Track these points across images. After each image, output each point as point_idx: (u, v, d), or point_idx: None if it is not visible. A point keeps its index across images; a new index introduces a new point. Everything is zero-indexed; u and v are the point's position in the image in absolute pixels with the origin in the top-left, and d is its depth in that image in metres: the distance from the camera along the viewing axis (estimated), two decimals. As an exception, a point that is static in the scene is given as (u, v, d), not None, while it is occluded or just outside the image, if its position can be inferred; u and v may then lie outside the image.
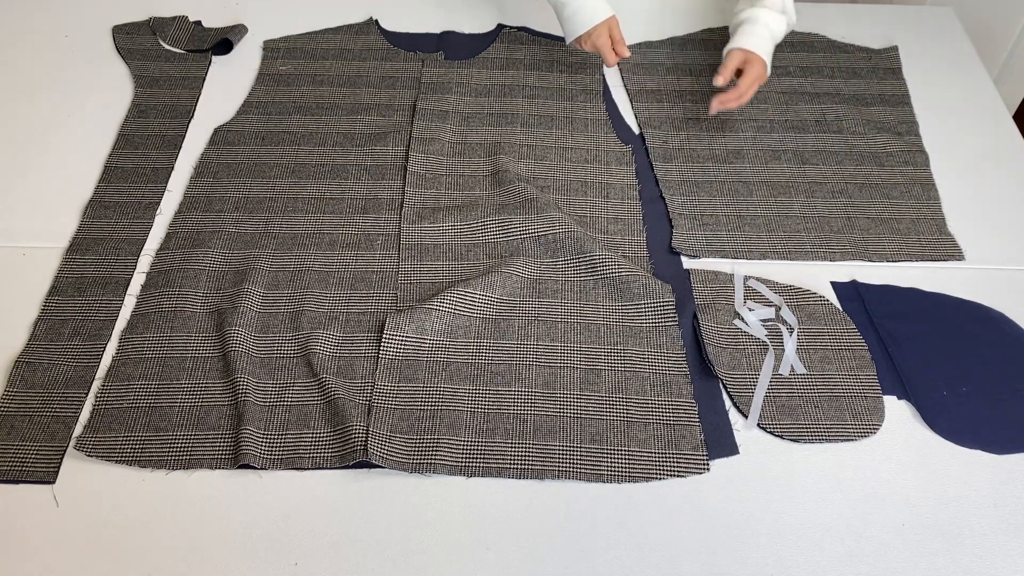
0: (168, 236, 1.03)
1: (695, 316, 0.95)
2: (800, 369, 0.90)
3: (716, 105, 1.12)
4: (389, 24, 1.37)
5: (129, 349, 0.91)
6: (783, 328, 0.94)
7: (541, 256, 1.01)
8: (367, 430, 0.82)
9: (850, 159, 1.16)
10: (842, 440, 0.85)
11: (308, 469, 0.82)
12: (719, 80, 1.11)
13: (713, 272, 1.00)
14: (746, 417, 0.86)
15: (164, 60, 1.29)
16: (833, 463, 0.83)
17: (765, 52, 1.13)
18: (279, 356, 0.91)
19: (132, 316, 0.94)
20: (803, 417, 0.86)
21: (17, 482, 0.80)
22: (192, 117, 1.20)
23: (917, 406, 0.88)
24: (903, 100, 1.26)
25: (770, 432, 0.85)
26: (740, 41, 1.13)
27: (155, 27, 1.34)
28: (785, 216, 1.07)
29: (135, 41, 1.32)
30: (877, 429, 0.86)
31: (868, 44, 1.35)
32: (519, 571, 0.76)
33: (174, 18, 1.35)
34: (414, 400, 0.87)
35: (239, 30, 1.33)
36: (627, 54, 1.19)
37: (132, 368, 0.89)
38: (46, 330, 0.92)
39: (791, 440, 0.85)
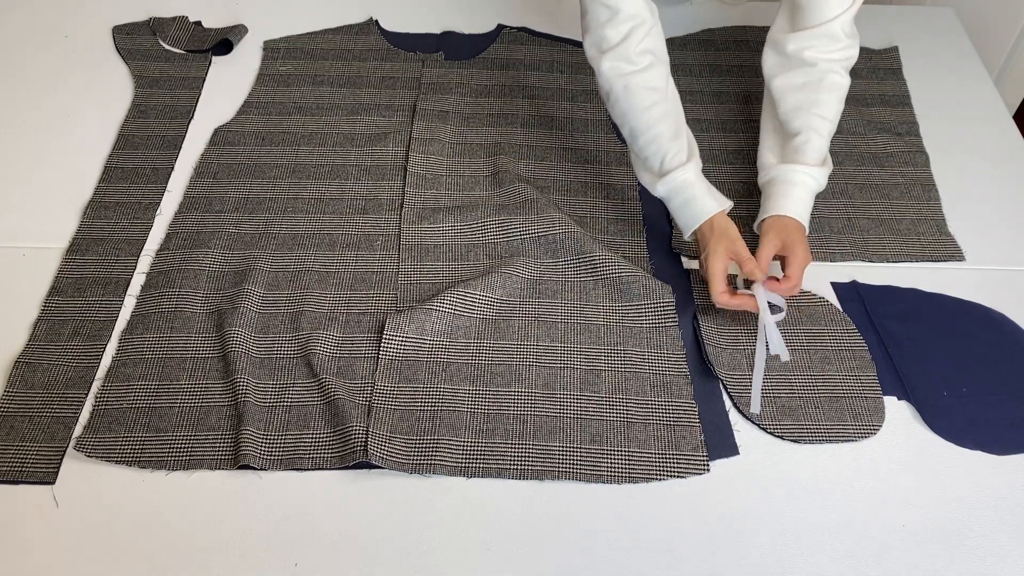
0: (168, 236, 1.03)
1: (695, 316, 0.95)
2: (784, 356, 0.89)
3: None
4: (389, 24, 1.37)
5: (129, 349, 0.91)
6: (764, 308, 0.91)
7: (541, 257, 1.01)
8: (367, 431, 0.82)
9: (850, 159, 1.16)
10: (842, 441, 0.85)
11: (308, 470, 0.82)
12: (758, 275, 0.90)
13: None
14: (747, 418, 0.86)
15: (164, 60, 1.29)
16: (833, 463, 0.83)
17: (803, 215, 0.94)
18: (279, 357, 0.91)
19: (132, 316, 0.94)
20: (803, 418, 0.86)
21: (17, 482, 0.80)
22: (192, 117, 1.20)
23: (917, 407, 0.88)
24: (903, 100, 1.26)
25: (770, 433, 0.85)
26: (775, 206, 0.95)
27: (155, 27, 1.34)
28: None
29: (135, 41, 1.32)
30: (877, 430, 0.86)
31: (868, 44, 1.35)
32: (519, 571, 0.76)
33: (174, 18, 1.35)
34: (414, 401, 0.87)
35: (239, 30, 1.33)
36: (760, 278, 0.90)
37: (132, 368, 0.89)
38: (46, 330, 0.92)
39: (791, 441, 0.85)
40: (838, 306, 0.97)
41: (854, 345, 0.93)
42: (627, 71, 0.95)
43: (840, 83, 1.00)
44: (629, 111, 0.96)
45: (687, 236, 0.96)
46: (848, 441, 0.85)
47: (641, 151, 0.97)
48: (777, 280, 0.92)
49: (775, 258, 0.94)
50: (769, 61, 1.04)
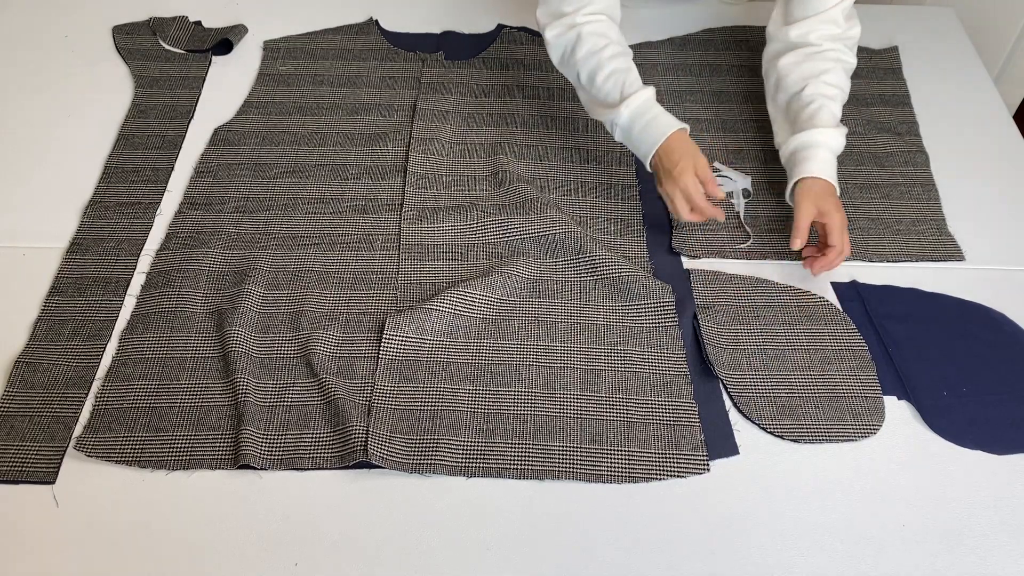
0: (168, 236, 1.03)
1: (695, 316, 0.95)
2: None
3: (818, 270, 0.97)
4: (389, 24, 1.37)
5: (129, 349, 0.91)
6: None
7: (541, 257, 1.01)
8: (367, 430, 0.82)
9: (850, 159, 1.15)
10: (843, 440, 0.85)
11: (308, 469, 0.82)
12: (797, 243, 0.95)
13: (713, 272, 1.00)
14: (747, 417, 0.86)
15: (164, 60, 1.29)
16: (833, 463, 0.83)
17: (831, 175, 0.98)
18: (279, 356, 0.91)
19: (132, 316, 0.94)
20: (803, 417, 0.86)
21: (17, 482, 0.80)
22: (192, 117, 1.20)
23: (917, 406, 0.88)
24: (903, 100, 1.26)
25: (770, 432, 0.85)
26: (804, 168, 0.97)
27: (155, 27, 1.34)
28: (786, 216, 1.07)
29: (135, 41, 1.32)
30: (877, 430, 0.86)
31: (868, 44, 1.35)
32: (519, 571, 0.76)
33: (174, 18, 1.35)
34: (414, 400, 0.87)
35: (239, 30, 1.33)
36: (720, 195, 0.97)
37: (132, 368, 0.89)
38: (46, 330, 0.92)
39: (791, 441, 0.85)
40: (838, 306, 0.97)
41: (854, 345, 0.93)
42: (578, 22, 1.01)
43: (844, 59, 1.04)
44: (585, 56, 1.01)
45: (648, 161, 0.99)
46: (848, 441, 0.85)
47: (601, 87, 1.00)
48: (818, 251, 0.98)
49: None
50: (770, 49, 1.08)
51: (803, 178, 0.97)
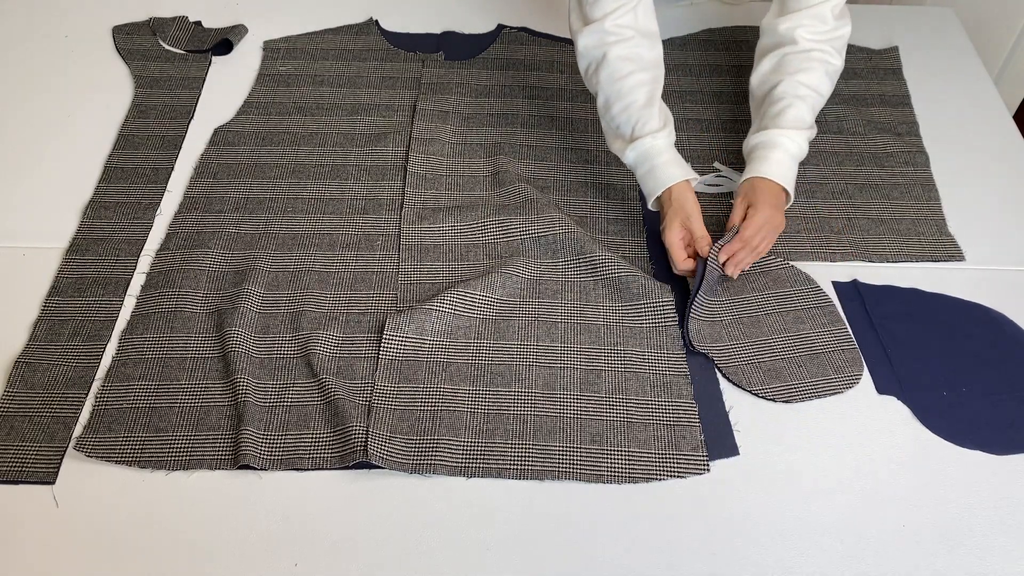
0: (168, 236, 1.03)
1: (702, 271, 0.94)
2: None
3: (730, 269, 0.93)
4: (389, 24, 1.37)
5: (129, 349, 0.91)
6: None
7: (541, 257, 1.01)
8: (367, 431, 0.82)
9: (850, 160, 1.16)
10: (830, 394, 0.88)
11: (308, 470, 0.82)
12: (706, 252, 0.93)
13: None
14: (738, 387, 0.88)
15: (164, 60, 1.29)
16: (833, 463, 0.84)
17: (783, 177, 0.96)
18: (279, 357, 0.91)
19: (132, 316, 0.94)
20: (790, 378, 0.89)
21: (17, 482, 0.80)
22: (192, 117, 1.20)
23: (917, 406, 0.88)
24: (903, 100, 1.26)
25: (762, 397, 0.87)
26: (752, 169, 0.97)
27: (155, 27, 1.34)
28: (785, 216, 1.07)
29: (135, 41, 1.32)
30: (859, 379, 0.89)
31: (868, 44, 1.35)
32: (519, 571, 0.76)
33: (174, 18, 1.35)
34: (414, 401, 0.87)
35: (239, 30, 1.33)
36: (704, 253, 0.93)
37: (132, 368, 0.89)
38: (46, 330, 0.92)
39: (783, 402, 0.87)
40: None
41: (821, 302, 0.96)
42: (608, 41, 0.97)
43: (829, 60, 1.02)
44: (605, 80, 0.98)
45: (650, 205, 0.98)
46: (835, 393, 0.88)
47: (613, 119, 0.98)
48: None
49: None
50: (760, 44, 1.07)
51: (751, 178, 0.96)
